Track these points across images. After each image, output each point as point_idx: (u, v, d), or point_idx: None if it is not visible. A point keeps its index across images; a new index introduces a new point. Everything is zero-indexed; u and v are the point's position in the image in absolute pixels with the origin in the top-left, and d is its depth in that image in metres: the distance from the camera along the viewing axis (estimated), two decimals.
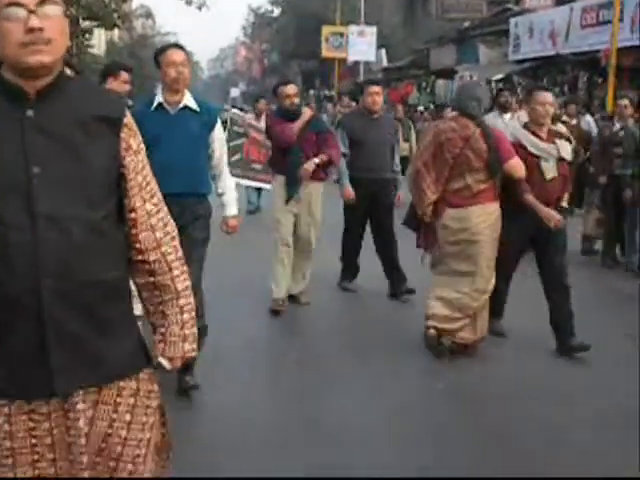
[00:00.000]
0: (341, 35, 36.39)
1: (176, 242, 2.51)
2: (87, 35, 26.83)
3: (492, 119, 9.17)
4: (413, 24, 38.81)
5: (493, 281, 5.99)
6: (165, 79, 5.23)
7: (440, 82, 28.80)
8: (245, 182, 12.18)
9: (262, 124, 12.21)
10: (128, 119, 2.39)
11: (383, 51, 36.25)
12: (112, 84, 6.56)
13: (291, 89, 7.56)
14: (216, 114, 5.56)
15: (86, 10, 23.41)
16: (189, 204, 5.21)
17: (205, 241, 5.40)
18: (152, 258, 2.43)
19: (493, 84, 23.95)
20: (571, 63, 21.20)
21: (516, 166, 5.96)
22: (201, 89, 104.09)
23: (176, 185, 4.87)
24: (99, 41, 43.38)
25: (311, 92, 45.32)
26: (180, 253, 2.51)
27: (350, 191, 7.82)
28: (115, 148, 2.33)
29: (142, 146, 2.45)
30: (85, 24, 25.48)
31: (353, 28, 34.06)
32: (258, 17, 65.13)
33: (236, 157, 11.40)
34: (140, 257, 2.42)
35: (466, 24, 30.38)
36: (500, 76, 23.62)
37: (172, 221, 2.52)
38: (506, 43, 25.14)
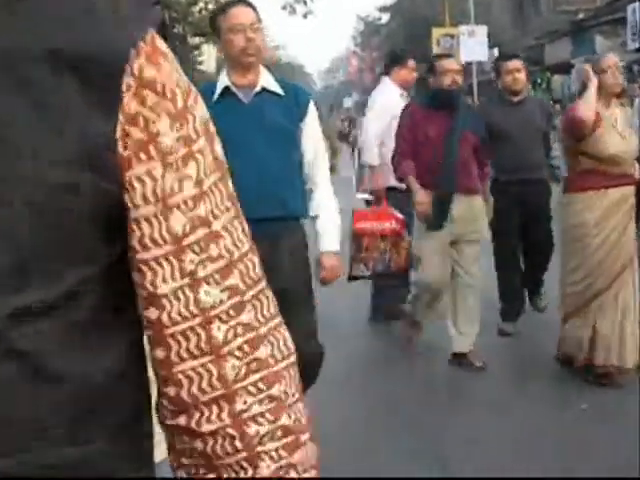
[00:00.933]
0: (451, 37, 35.91)
1: None
2: (196, 52, 27.12)
3: None
4: (523, 21, 37.97)
5: None
6: (230, 51, 3.81)
7: (556, 77, 28.00)
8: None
9: None
10: None
11: (495, 50, 35.51)
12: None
13: (453, 63, 5.92)
14: (307, 99, 4.02)
15: (193, 26, 23.65)
16: (276, 234, 3.77)
17: (310, 294, 4.01)
18: None
19: None
20: None
21: None
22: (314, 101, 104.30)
23: (259, 206, 3.49)
24: (209, 57, 44.00)
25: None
26: None
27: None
28: None
29: None
30: (194, 40, 25.74)
31: (464, 28, 33.41)
32: (367, 25, 65.05)
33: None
34: None
35: (580, 15, 29.45)
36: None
37: None
38: (624, 31, 24.20)
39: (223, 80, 3.90)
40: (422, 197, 5.58)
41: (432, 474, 4.17)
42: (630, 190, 5.53)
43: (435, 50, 36.70)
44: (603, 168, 5.41)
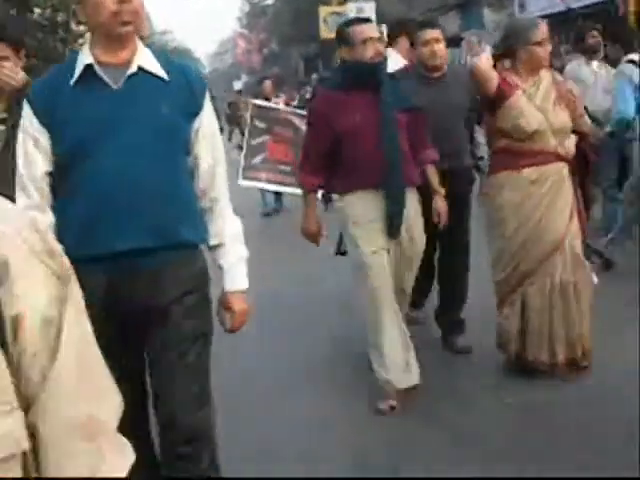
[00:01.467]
0: (339, 15, 35.36)
1: None
2: (81, 40, 26.13)
3: (576, 68, 8.17)
4: None
5: None
6: (96, 18, 2.77)
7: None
8: (272, 187, 10.41)
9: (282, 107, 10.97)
10: None
11: (384, 26, 35.31)
12: None
13: (371, 30, 4.80)
14: (204, 86, 3.04)
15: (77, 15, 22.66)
16: (164, 268, 2.88)
17: (206, 337, 3.03)
18: None
19: None
20: (582, 17, 20.33)
21: None
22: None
23: (132, 234, 2.79)
24: None
25: (314, 76, 44.47)
26: None
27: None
28: None
29: None
30: (80, 29, 24.78)
31: (352, 5, 32.96)
32: (252, 6, 64.32)
33: (259, 157, 9.76)
34: None
35: None
36: None
37: None
38: (511, 4, 24.28)
39: (84, 56, 2.83)
40: (312, 226, 5.09)
41: None
42: (553, 168, 5.04)
43: (323, 29, 36.34)
44: (518, 145, 5.00)
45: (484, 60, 4.90)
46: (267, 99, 11.95)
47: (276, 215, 12.58)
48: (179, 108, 2.88)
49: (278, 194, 12.38)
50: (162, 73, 2.88)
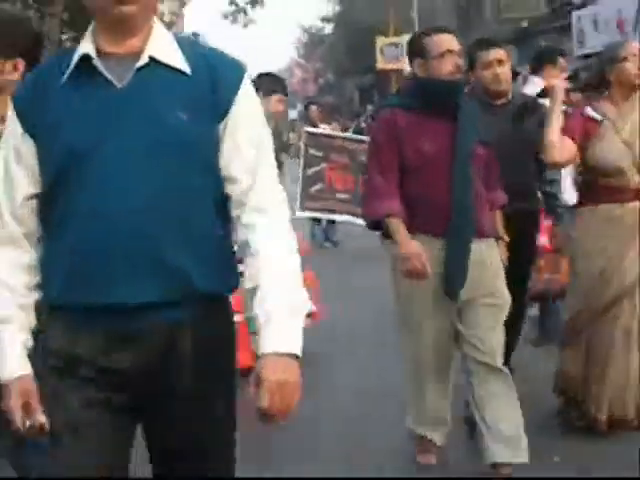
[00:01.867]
0: (396, 46, 35.48)
1: None
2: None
3: None
4: (468, 29, 37.87)
5: None
6: None
7: None
8: (332, 217, 10.18)
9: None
10: None
11: (513, 48, 35.31)
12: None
13: (451, 41, 4.09)
14: (239, 76, 2.20)
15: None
16: (173, 331, 2.15)
17: (230, 420, 2.29)
18: None
19: None
20: None
21: None
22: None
23: (129, 283, 2.08)
24: None
25: (369, 107, 44.59)
26: None
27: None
28: None
29: None
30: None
31: (409, 37, 33.15)
32: (310, 36, 64.70)
33: (317, 187, 9.65)
34: None
35: (524, 24, 29.32)
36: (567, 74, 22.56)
37: None
38: (569, 39, 24.05)
39: (83, 45, 2.16)
40: (413, 248, 4.00)
41: None
42: (632, 207, 4.66)
43: (379, 60, 36.39)
44: (601, 180, 4.68)
45: (551, 134, 4.42)
46: (314, 125, 11.40)
47: (326, 248, 11.51)
48: (203, 111, 2.13)
49: (330, 226, 11.52)
50: (183, 65, 2.14)
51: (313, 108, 12.63)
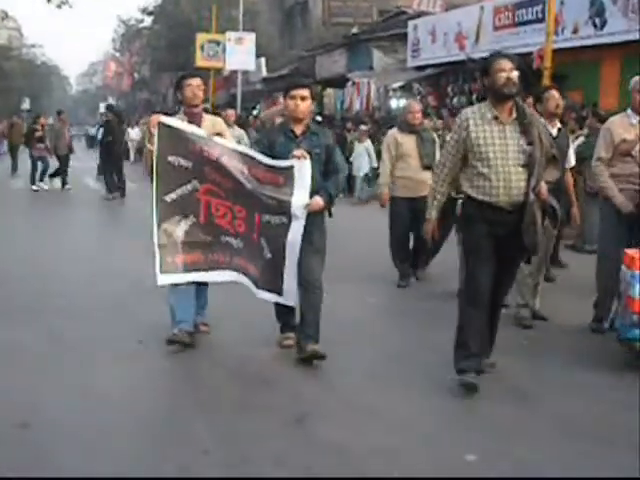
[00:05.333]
0: (217, 44, 33.36)
1: None
2: None
3: None
4: (291, 32, 36.41)
5: None
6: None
7: (329, 91, 26.18)
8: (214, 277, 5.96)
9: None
10: None
11: (263, 60, 33.38)
12: None
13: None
14: None
15: None
16: None
17: None
18: None
19: (391, 92, 21.52)
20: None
21: None
22: (69, 105, 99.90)
23: None
24: None
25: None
26: None
27: None
28: None
29: None
30: None
31: (231, 34, 31.04)
32: (128, 28, 61.47)
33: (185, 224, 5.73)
34: None
35: (354, 30, 27.83)
36: (399, 84, 21.20)
37: None
38: (403, 48, 22.59)
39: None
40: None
41: None
42: None
43: (198, 57, 34.14)
44: None
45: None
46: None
47: None
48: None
49: None
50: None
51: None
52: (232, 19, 35.01)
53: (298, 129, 5.71)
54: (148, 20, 52.44)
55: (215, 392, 5.13)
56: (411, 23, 22.12)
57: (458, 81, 19.88)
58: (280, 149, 5.64)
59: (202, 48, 34.27)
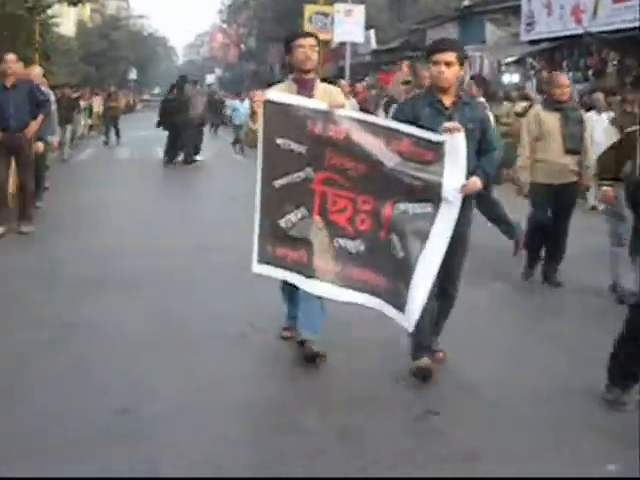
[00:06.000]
0: (326, 15, 33.20)
1: None
2: (49, 12, 23.83)
3: None
4: (401, 4, 35.97)
5: None
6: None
7: None
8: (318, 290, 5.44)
9: None
10: None
11: (372, 32, 33.14)
12: None
13: None
14: None
15: None
16: None
17: None
18: None
19: (504, 67, 21.12)
20: (598, 43, 18.18)
21: None
22: (176, 75, 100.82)
23: None
24: (67, 21, 40.82)
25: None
26: None
27: None
28: None
29: None
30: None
31: (340, 6, 30.89)
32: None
33: (294, 216, 5.24)
34: None
35: (466, 2, 27.36)
36: (513, 59, 20.73)
37: None
38: (516, 22, 22.14)
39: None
40: None
41: None
42: None
43: (307, 29, 34.08)
44: None
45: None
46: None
47: None
48: None
49: None
50: None
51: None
52: None
53: (447, 100, 4.91)
54: None
55: (328, 385, 4.93)
56: None
57: (573, 56, 19.41)
58: (427, 123, 4.82)
59: (310, 20, 34.20)
